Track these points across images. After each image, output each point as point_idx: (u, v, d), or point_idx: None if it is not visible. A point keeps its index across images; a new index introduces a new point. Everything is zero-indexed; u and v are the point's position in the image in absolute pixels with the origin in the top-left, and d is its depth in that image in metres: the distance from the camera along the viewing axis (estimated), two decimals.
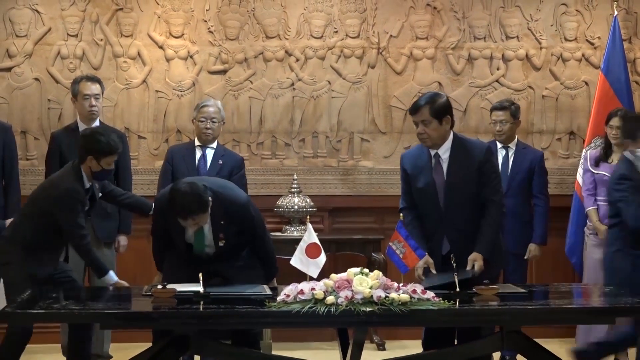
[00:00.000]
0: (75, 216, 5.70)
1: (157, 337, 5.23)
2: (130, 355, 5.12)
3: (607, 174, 7.15)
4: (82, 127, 6.86)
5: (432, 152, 5.51)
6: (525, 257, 7.19)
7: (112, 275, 5.77)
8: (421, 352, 5.51)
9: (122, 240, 7.04)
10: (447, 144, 5.48)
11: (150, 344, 5.26)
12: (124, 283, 5.77)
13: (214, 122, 7.02)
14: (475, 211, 5.45)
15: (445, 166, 5.48)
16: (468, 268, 5.29)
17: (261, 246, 5.78)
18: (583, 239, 7.45)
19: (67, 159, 6.72)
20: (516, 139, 7.36)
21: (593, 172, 7.26)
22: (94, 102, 6.86)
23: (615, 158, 7.21)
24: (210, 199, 5.37)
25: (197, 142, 7.08)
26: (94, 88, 6.87)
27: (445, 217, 5.48)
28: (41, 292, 5.29)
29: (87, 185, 5.80)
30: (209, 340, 5.07)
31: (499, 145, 7.26)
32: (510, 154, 7.25)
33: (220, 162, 7.01)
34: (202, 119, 7.01)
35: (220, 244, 5.53)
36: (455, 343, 5.45)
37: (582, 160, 7.48)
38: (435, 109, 5.40)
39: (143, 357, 4.96)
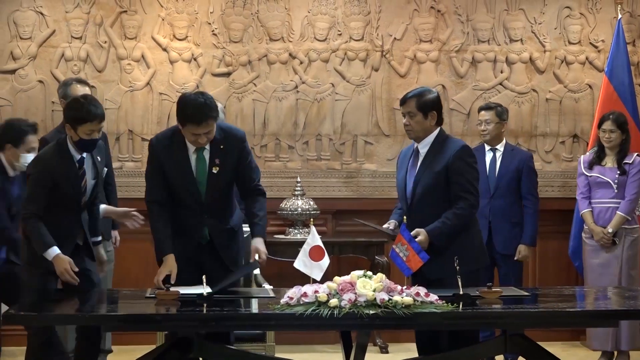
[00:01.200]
0: (33, 187, 5.44)
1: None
2: (132, 357, 5.12)
3: (601, 176, 7.20)
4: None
5: (415, 146, 5.61)
6: (515, 258, 7.17)
7: (55, 249, 5.37)
8: (424, 357, 5.51)
9: (117, 234, 7.06)
10: (429, 139, 5.55)
11: (152, 346, 5.25)
12: (66, 259, 5.38)
13: None
14: (443, 210, 5.44)
15: (420, 161, 5.55)
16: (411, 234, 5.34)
17: (251, 183, 5.66)
18: None
19: None
20: (504, 141, 7.35)
21: (587, 175, 7.28)
22: None
23: (608, 161, 7.24)
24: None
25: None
26: (85, 90, 6.81)
27: (410, 211, 5.52)
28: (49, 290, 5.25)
29: (77, 156, 5.53)
30: (212, 342, 5.07)
31: (486, 147, 7.27)
32: (498, 155, 7.25)
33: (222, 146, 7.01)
34: None
35: (214, 170, 5.46)
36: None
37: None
38: (422, 103, 5.51)
39: (146, 359, 4.96)
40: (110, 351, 7.20)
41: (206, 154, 5.48)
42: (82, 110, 5.42)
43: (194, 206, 5.52)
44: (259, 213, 5.63)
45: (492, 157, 7.22)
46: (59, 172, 5.46)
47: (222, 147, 5.48)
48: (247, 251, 5.57)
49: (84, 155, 5.54)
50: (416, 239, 5.31)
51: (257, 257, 5.42)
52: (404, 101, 5.59)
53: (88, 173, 5.59)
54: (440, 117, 5.59)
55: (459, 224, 5.44)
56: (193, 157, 5.47)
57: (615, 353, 7.35)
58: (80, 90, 6.77)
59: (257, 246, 5.47)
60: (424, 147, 5.56)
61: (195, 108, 5.30)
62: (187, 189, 5.50)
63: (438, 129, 5.59)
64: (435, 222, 5.40)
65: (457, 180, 5.45)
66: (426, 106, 5.51)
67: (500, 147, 7.27)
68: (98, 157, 5.66)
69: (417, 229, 5.37)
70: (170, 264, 5.37)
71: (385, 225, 5.63)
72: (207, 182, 5.49)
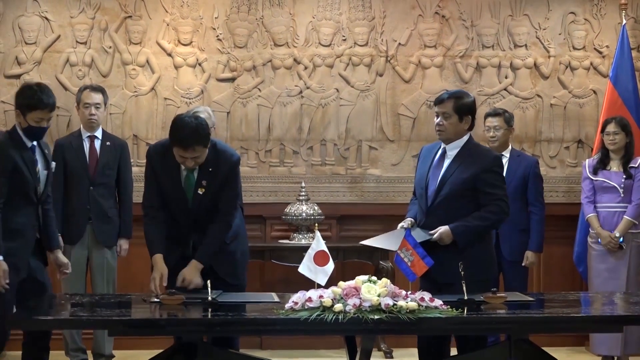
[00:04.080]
0: None
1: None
2: None
3: (607, 181, 7.20)
4: (84, 134, 7.10)
5: (443, 147, 5.57)
6: (523, 264, 7.15)
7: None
8: None
9: (124, 244, 7.15)
10: (459, 142, 5.51)
11: (153, 351, 5.24)
12: (6, 269, 5.41)
13: None
14: (462, 214, 5.41)
15: (447, 163, 5.51)
16: (432, 232, 5.36)
17: (223, 210, 5.56)
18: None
19: (69, 165, 6.91)
20: (510, 147, 7.32)
21: (592, 180, 7.28)
22: (93, 111, 7.04)
23: (613, 165, 7.25)
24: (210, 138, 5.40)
25: None
26: (96, 97, 7.06)
27: (430, 211, 5.49)
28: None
29: (29, 144, 5.59)
30: (217, 347, 5.07)
31: None
32: (504, 162, 7.22)
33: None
34: None
35: (200, 191, 5.46)
36: (457, 352, 5.45)
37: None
38: (459, 105, 5.47)
39: None
40: (113, 356, 7.21)
41: (195, 173, 5.49)
42: (33, 97, 5.50)
43: (182, 218, 5.55)
44: (208, 240, 5.52)
45: None
46: (15, 157, 5.50)
47: (210, 169, 5.48)
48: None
49: (34, 143, 5.61)
50: (438, 234, 5.32)
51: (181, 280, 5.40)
52: (440, 101, 5.51)
53: (39, 162, 5.66)
54: (473, 122, 5.56)
55: (484, 226, 5.42)
56: (183, 174, 5.50)
57: (615, 358, 7.36)
58: (91, 96, 7.07)
59: (184, 271, 5.41)
60: (452, 150, 5.51)
61: (184, 132, 5.28)
62: (176, 202, 5.53)
63: (469, 134, 5.55)
64: (461, 221, 5.36)
65: (488, 191, 5.42)
66: (463, 109, 5.47)
67: (507, 153, 7.24)
68: (45, 150, 5.74)
69: (441, 227, 5.35)
70: (160, 267, 5.39)
71: (401, 224, 5.56)
72: (192, 200, 5.52)
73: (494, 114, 7.29)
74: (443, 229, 5.35)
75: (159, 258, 5.43)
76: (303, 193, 7.85)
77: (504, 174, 7.08)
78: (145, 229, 5.57)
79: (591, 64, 8.37)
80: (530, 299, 5.44)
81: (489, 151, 5.69)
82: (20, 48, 7.97)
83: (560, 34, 8.36)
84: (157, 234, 5.51)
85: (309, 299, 4.68)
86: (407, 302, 4.65)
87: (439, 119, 5.51)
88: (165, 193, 5.54)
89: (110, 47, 8.05)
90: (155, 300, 5.14)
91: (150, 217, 5.55)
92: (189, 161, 5.35)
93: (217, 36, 8.14)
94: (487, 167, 5.45)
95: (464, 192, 5.42)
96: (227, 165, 5.53)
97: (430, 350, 5.50)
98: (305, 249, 5.39)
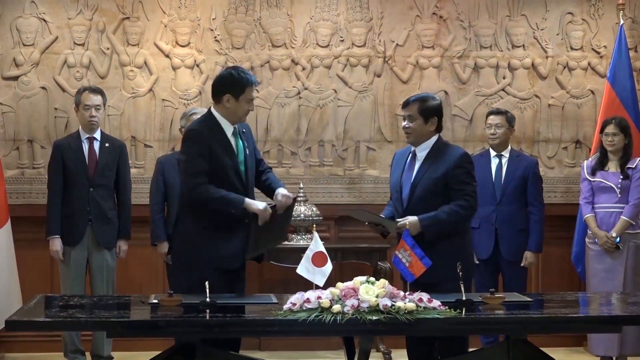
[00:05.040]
0: None
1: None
2: None
3: (604, 181, 7.21)
4: (83, 135, 7.09)
5: (413, 150, 5.66)
6: (522, 265, 7.16)
7: None
8: None
9: (123, 245, 7.15)
10: (428, 144, 5.62)
11: (152, 352, 5.24)
12: None
13: None
14: None
15: (418, 165, 5.59)
16: (399, 220, 5.49)
17: (264, 165, 5.91)
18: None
19: (68, 167, 6.91)
20: (510, 147, 7.34)
21: (590, 181, 7.29)
22: (94, 113, 7.05)
23: (611, 165, 7.25)
24: None
25: None
26: (95, 99, 7.06)
27: (405, 213, 5.55)
28: None
29: None
30: (214, 348, 5.07)
31: (492, 153, 7.25)
32: (503, 162, 7.23)
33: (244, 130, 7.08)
34: None
35: (247, 151, 5.62)
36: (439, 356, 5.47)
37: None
38: (424, 108, 5.59)
39: None
40: (111, 358, 7.22)
41: (238, 137, 5.60)
42: None
43: (238, 187, 5.53)
44: (278, 182, 5.81)
45: (498, 164, 7.21)
46: None
47: (244, 130, 5.65)
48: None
49: None
50: (405, 223, 5.40)
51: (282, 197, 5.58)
52: (406, 104, 5.65)
53: None
54: (440, 124, 5.65)
55: (451, 221, 5.49)
56: (232, 139, 5.56)
57: (614, 358, 7.37)
58: (91, 98, 7.09)
59: (282, 191, 5.62)
60: (422, 151, 5.61)
61: (247, 72, 5.57)
62: (234, 169, 5.54)
63: (437, 135, 5.64)
64: (429, 214, 5.45)
65: (458, 187, 5.51)
66: (428, 111, 5.58)
67: (506, 154, 7.25)
68: None
69: (409, 217, 5.45)
70: (259, 205, 5.44)
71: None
72: (244, 162, 5.59)
73: (497, 112, 7.33)
74: (411, 218, 5.44)
75: (250, 200, 5.46)
76: (301, 194, 7.84)
77: (503, 173, 7.17)
78: (211, 193, 5.40)
79: (589, 64, 8.37)
80: (529, 299, 5.44)
81: (457, 149, 5.77)
82: (18, 49, 7.97)
83: (557, 34, 8.36)
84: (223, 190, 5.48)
85: (307, 300, 4.68)
86: (405, 303, 4.66)
87: (405, 122, 5.64)
88: (223, 165, 5.50)
89: (107, 48, 8.05)
90: (154, 301, 5.14)
91: (204, 185, 5.41)
92: (251, 104, 5.59)
93: (215, 37, 8.13)
94: (456, 164, 5.54)
95: (437, 191, 5.52)
96: (249, 129, 5.76)
97: (421, 352, 5.52)
98: (303, 250, 5.38)
